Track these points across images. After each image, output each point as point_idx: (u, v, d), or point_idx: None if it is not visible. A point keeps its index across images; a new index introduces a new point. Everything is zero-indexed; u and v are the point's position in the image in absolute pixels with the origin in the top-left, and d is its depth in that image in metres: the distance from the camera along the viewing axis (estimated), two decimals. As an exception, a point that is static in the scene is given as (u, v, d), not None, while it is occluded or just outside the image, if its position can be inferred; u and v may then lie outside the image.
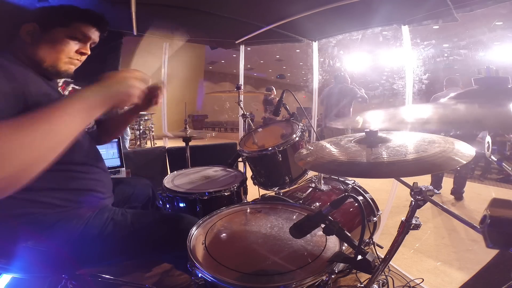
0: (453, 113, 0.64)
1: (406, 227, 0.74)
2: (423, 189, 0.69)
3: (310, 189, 1.46)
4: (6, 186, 0.51)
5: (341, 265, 0.79)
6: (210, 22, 2.23)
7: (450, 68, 8.51)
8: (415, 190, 0.70)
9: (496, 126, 0.48)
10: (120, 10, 1.83)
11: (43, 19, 0.83)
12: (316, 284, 0.68)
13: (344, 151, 0.78)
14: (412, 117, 0.65)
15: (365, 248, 0.99)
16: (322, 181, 1.50)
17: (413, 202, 0.72)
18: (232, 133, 12.24)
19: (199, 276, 0.69)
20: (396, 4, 1.66)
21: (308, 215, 0.74)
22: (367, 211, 1.42)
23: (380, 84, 8.99)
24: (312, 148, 0.88)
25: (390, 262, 0.85)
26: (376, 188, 1.85)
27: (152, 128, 6.76)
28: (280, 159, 1.33)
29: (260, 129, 1.73)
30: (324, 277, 0.68)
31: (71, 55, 0.87)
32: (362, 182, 1.57)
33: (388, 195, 2.05)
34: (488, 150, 0.75)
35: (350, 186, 1.49)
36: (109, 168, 2.04)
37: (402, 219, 0.76)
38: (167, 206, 1.36)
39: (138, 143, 6.59)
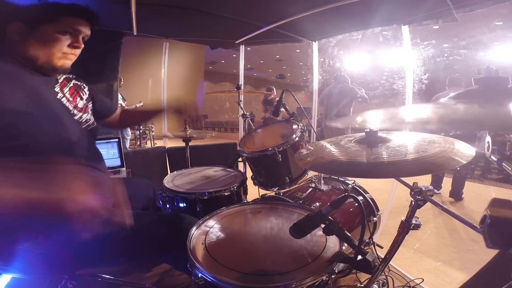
0: (453, 113, 0.64)
1: (406, 227, 0.74)
2: (423, 189, 0.69)
3: (310, 189, 1.46)
4: None
5: (341, 265, 0.79)
6: (210, 22, 2.23)
7: (450, 68, 8.51)
8: (415, 190, 0.70)
9: (496, 126, 0.48)
10: (120, 10, 1.83)
11: (28, 17, 0.82)
12: (316, 284, 0.68)
13: (344, 151, 0.78)
14: (413, 117, 0.65)
15: (365, 248, 0.99)
16: (322, 181, 1.50)
17: (413, 202, 0.72)
18: (232, 133, 12.25)
19: (199, 276, 0.69)
20: (396, 4, 1.66)
21: (308, 215, 0.74)
22: (367, 211, 1.42)
23: (380, 84, 8.99)
24: (312, 148, 0.88)
25: (390, 262, 0.85)
26: (376, 188, 1.85)
27: (152, 128, 6.76)
28: (280, 159, 1.33)
29: (260, 129, 1.73)
30: (324, 277, 0.68)
31: (64, 50, 0.87)
32: (362, 182, 1.57)
33: (388, 195, 2.05)
34: (488, 150, 0.75)
35: (350, 186, 1.49)
36: (110, 168, 2.04)
37: (402, 219, 0.76)
38: (167, 206, 1.36)
39: (138, 143, 6.59)
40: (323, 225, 0.74)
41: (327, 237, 0.83)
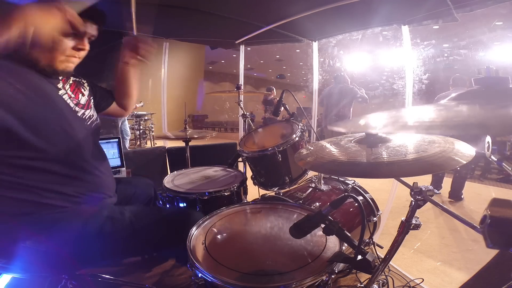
0: (455, 114, 0.63)
1: (406, 227, 0.74)
2: (423, 189, 0.69)
3: (310, 189, 1.46)
4: None
5: (341, 265, 0.79)
6: (210, 22, 2.23)
7: (450, 68, 8.50)
8: (415, 190, 0.70)
9: (496, 127, 0.47)
10: (120, 10, 1.83)
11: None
12: (316, 284, 0.68)
13: (344, 151, 0.78)
14: (415, 120, 0.65)
15: (365, 248, 0.99)
16: (322, 181, 1.50)
17: (413, 202, 0.72)
18: (232, 133, 12.24)
19: (199, 276, 0.69)
20: (396, 4, 1.66)
21: (308, 215, 0.74)
22: (367, 211, 1.41)
23: (380, 84, 8.98)
24: (312, 148, 0.88)
25: (390, 262, 0.85)
26: (376, 188, 1.85)
27: (152, 128, 6.76)
28: (280, 159, 1.33)
29: (260, 129, 1.73)
30: (324, 277, 0.68)
31: (67, 52, 0.82)
32: (362, 182, 1.56)
33: (388, 195, 2.05)
34: (488, 150, 0.75)
35: (350, 186, 1.49)
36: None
37: (402, 219, 0.76)
38: (167, 206, 1.36)
39: (138, 143, 6.59)
40: (323, 225, 0.74)
41: (327, 237, 0.83)
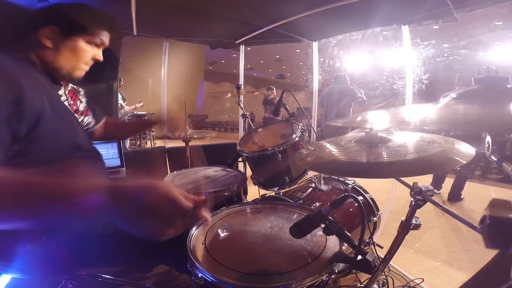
0: (455, 114, 0.64)
1: (406, 227, 0.74)
2: (423, 189, 0.69)
3: (310, 189, 1.46)
4: None
5: (341, 265, 0.79)
6: (210, 22, 2.23)
7: (450, 68, 8.50)
8: (415, 190, 0.70)
9: (496, 127, 0.47)
10: (120, 10, 1.83)
11: (64, 23, 0.77)
12: (316, 284, 0.68)
13: (344, 151, 0.78)
14: (415, 119, 0.65)
15: (365, 248, 0.99)
16: (322, 181, 1.50)
17: (413, 202, 0.72)
18: (232, 133, 12.24)
19: (199, 276, 0.69)
20: (396, 4, 1.66)
21: (308, 215, 0.74)
22: (367, 211, 1.41)
23: (380, 84, 8.98)
24: (312, 148, 0.88)
25: (390, 262, 0.85)
26: (376, 188, 1.85)
27: (152, 128, 6.75)
28: (280, 159, 1.33)
29: (260, 129, 1.73)
30: (324, 277, 0.68)
31: (88, 62, 0.84)
32: (362, 182, 1.56)
33: (388, 195, 2.05)
34: (488, 150, 0.75)
35: (350, 186, 1.49)
36: (110, 168, 2.04)
37: (402, 219, 0.76)
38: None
39: (138, 143, 6.59)
40: (323, 225, 0.74)
41: (327, 237, 0.83)
